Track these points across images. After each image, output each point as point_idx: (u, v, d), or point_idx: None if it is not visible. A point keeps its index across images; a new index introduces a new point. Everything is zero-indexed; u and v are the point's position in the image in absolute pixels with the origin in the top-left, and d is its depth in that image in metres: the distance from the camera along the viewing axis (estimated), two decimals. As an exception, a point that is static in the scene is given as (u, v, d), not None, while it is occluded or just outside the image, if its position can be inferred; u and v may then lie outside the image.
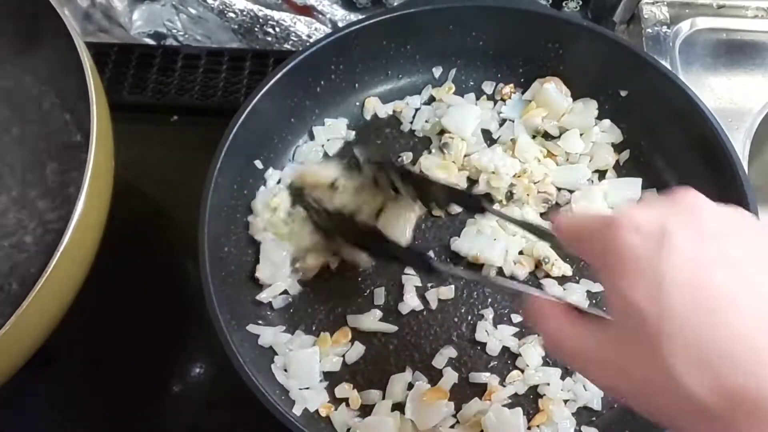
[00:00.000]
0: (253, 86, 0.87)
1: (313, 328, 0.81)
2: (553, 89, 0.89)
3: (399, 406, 0.76)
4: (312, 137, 0.92)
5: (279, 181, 0.87)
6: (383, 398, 0.76)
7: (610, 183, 0.86)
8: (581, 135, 0.89)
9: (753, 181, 0.78)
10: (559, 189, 0.86)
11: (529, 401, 0.76)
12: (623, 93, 0.89)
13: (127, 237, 0.85)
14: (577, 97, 0.91)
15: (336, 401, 0.77)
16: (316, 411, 0.75)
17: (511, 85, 0.94)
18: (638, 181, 0.86)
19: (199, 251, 0.74)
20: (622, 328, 0.43)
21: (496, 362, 0.79)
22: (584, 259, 0.53)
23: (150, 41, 1.13)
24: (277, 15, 1.10)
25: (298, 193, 0.82)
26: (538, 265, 0.82)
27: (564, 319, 0.49)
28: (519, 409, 0.74)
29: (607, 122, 0.90)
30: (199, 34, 1.14)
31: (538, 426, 0.74)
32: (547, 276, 0.82)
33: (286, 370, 0.77)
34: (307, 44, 0.94)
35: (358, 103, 0.94)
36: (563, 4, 1.08)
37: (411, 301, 0.81)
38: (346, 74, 0.91)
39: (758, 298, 0.40)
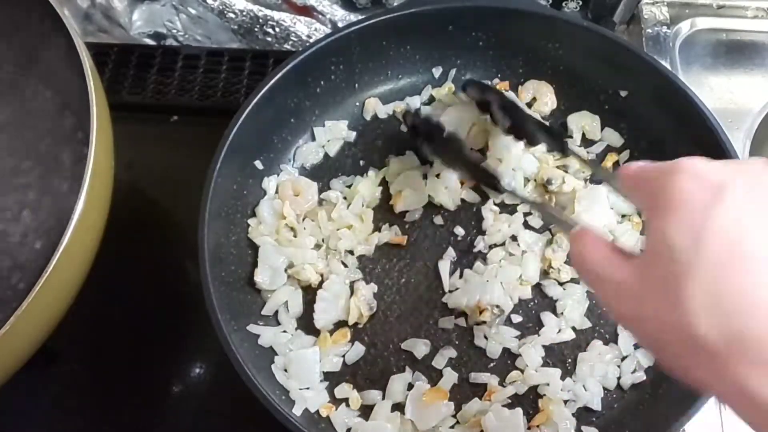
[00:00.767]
0: (253, 86, 0.87)
1: (314, 328, 0.81)
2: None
3: (399, 407, 0.76)
4: (312, 138, 0.92)
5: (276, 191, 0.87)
6: (383, 398, 0.76)
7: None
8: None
9: (753, 181, 0.77)
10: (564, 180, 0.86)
11: (529, 401, 0.76)
12: (623, 93, 0.89)
13: (127, 237, 0.85)
14: (577, 96, 0.92)
15: (336, 401, 0.77)
16: (317, 411, 0.75)
17: (506, 83, 0.94)
18: None
19: (199, 251, 0.74)
20: (652, 261, 0.45)
21: (495, 362, 0.79)
22: (636, 204, 0.57)
23: (150, 41, 1.14)
24: (277, 15, 1.10)
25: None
26: (546, 271, 0.82)
27: (601, 242, 0.51)
28: (519, 409, 0.74)
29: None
30: (199, 34, 1.14)
31: (538, 426, 0.74)
32: (555, 281, 0.82)
33: (286, 370, 0.77)
34: (307, 44, 0.94)
35: (358, 104, 0.94)
36: (563, 4, 1.08)
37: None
38: (346, 74, 0.91)
39: None
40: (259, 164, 0.87)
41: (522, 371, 0.77)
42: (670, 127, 0.85)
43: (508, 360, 0.79)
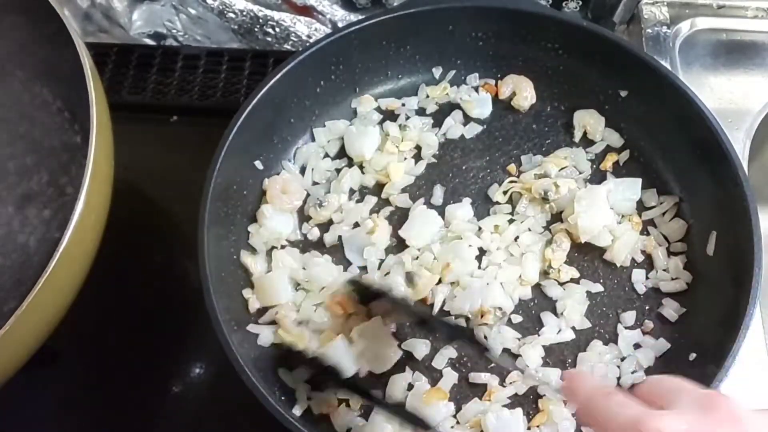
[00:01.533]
0: (253, 86, 0.87)
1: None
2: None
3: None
4: (312, 138, 0.92)
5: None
6: (383, 398, 0.76)
7: (611, 183, 0.86)
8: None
9: (753, 181, 0.78)
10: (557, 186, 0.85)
11: (529, 401, 0.76)
12: (623, 93, 0.89)
13: (127, 237, 0.85)
14: (577, 96, 0.92)
15: (336, 401, 0.77)
16: (318, 412, 0.75)
17: (491, 82, 0.94)
18: (638, 181, 0.86)
19: (199, 251, 0.74)
20: None
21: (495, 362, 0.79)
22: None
23: (150, 41, 1.14)
24: (277, 15, 1.10)
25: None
26: (545, 271, 0.82)
27: None
28: (519, 409, 0.74)
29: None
30: (199, 34, 1.14)
31: (538, 426, 0.74)
32: (556, 281, 0.82)
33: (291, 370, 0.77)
34: (307, 44, 0.94)
35: (357, 104, 0.94)
36: (563, 4, 1.08)
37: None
38: (346, 75, 0.91)
39: None
40: (259, 164, 0.87)
41: (522, 371, 0.77)
42: (670, 127, 0.85)
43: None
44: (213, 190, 0.77)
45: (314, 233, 0.86)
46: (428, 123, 0.93)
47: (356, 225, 0.86)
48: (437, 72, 0.95)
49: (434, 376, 0.78)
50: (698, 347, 0.76)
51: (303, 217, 0.87)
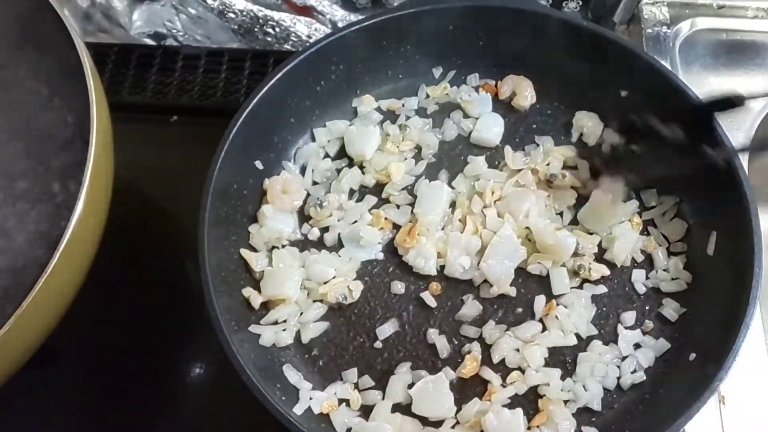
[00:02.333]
0: (253, 86, 0.87)
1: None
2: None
3: (399, 407, 0.76)
4: (312, 138, 0.92)
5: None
6: (383, 398, 0.76)
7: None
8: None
9: (753, 181, 0.78)
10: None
11: (529, 401, 0.76)
12: (623, 93, 0.89)
13: (127, 237, 0.85)
14: (577, 96, 0.92)
15: (336, 401, 0.77)
16: (318, 411, 0.75)
17: (491, 82, 0.94)
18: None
19: (199, 251, 0.74)
20: None
21: (496, 362, 0.78)
22: None
23: (150, 41, 1.14)
24: (277, 15, 1.10)
25: None
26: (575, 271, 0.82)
27: None
28: (519, 409, 0.74)
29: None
30: (199, 34, 1.14)
31: (538, 426, 0.74)
32: (586, 280, 0.82)
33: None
34: (307, 44, 0.94)
35: (358, 104, 0.94)
36: (563, 4, 1.08)
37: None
38: (346, 75, 0.91)
39: None
40: (259, 164, 0.87)
41: (522, 371, 0.77)
42: (670, 127, 0.85)
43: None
44: (213, 190, 0.77)
45: (314, 233, 0.86)
46: (428, 123, 0.93)
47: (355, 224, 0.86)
48: (437, 72, 0.95)
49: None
50: (698, 347, 0.76)
51: (303, 217, 0.87)
